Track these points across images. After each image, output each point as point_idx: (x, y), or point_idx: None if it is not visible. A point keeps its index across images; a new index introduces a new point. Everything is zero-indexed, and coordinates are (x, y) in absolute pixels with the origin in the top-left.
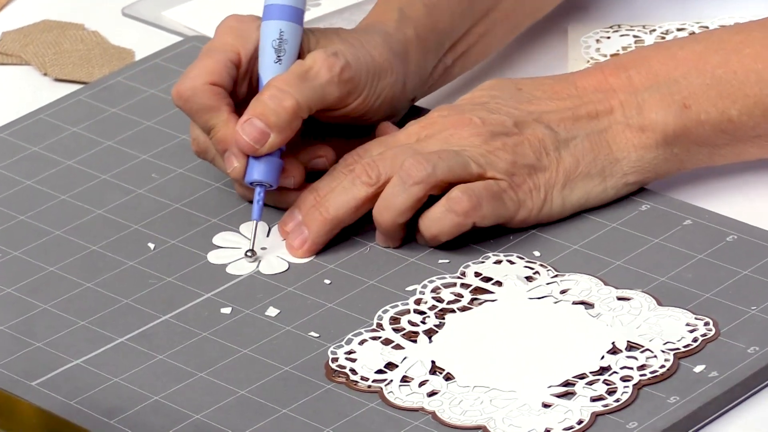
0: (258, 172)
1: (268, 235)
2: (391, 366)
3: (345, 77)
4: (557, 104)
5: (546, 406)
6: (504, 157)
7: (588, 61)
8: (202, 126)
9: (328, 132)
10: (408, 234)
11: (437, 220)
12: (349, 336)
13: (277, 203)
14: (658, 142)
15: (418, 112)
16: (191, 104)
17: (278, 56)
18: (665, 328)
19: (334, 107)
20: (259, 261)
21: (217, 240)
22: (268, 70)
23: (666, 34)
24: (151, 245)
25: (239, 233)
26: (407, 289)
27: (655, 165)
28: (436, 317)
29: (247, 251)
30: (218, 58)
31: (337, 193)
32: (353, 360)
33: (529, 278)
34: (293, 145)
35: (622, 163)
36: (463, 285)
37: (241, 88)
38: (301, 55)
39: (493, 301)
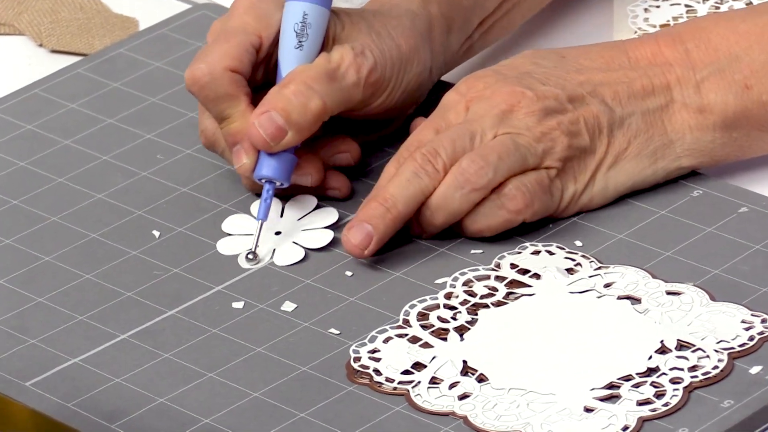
0: (268, 167)
1: (281, 215)
2: (418, 366)
3: (371, 80)
4: (609, 76)
5: (588, 410)
6: (561, 140)
7: (635, 32)
8: (216, 115)
9: (348, 124)
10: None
11: (486, 216)
12: (373, 333)
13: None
14: (716, 124)
15: (443, 87)
16: (207, 91)
17: (300, 41)
18: (719, 325)
19: (355, 109)
20: (260, 260)
21: (227, 226)
22: (288, 56)
23: (720, 3)
24: (156, 233)
25: (251, 216)
26: (437, 282)
27: (711, 149)
28: (468, 313)
29: (248, 253)
30: (238, 41)
31: (402, 186)
32: (377, 359)
33: (570, 270)
34: (312, 139)
35: (676, 146)
36: (497, 278)
37: (257, 73)
38: (324, 41)
39: (530, 295)
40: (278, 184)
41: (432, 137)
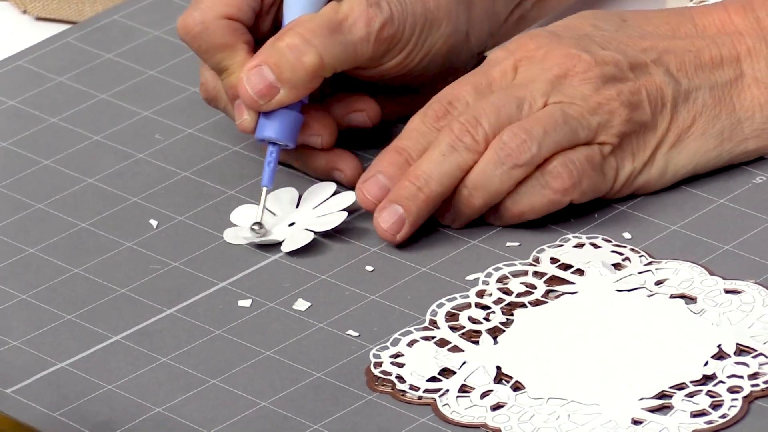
0: (271, 127)
1: (297, 206)
2: (447, 373)
3: (384, 35)
4: (675, 44)
5: (636, 422)
6: (619, 112)
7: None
8: (212, 67)
9: (367, 89)
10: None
11: (529, 195)
12: (396, 335)
13: (305, 167)
14: None
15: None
16: (200, 41)
17: None
18: None
19: (365, 67)
20: (269, 234)
21: (234, 217)
22: (292, 3)
23: None
24: (154, 222)
25: (265, 208)
26: (468, 278)
27: None
28: (503, 313)
29: (252, 224)
30: None
31: (437, 162)
32: (400, 365)
33: (617, 266)
34: (323, 96)
35: (744, 126)
36: (536, 274)
37: (264, 22)
38: None
39: (572, 293)
40: (283, 145)
41: (469, 95)
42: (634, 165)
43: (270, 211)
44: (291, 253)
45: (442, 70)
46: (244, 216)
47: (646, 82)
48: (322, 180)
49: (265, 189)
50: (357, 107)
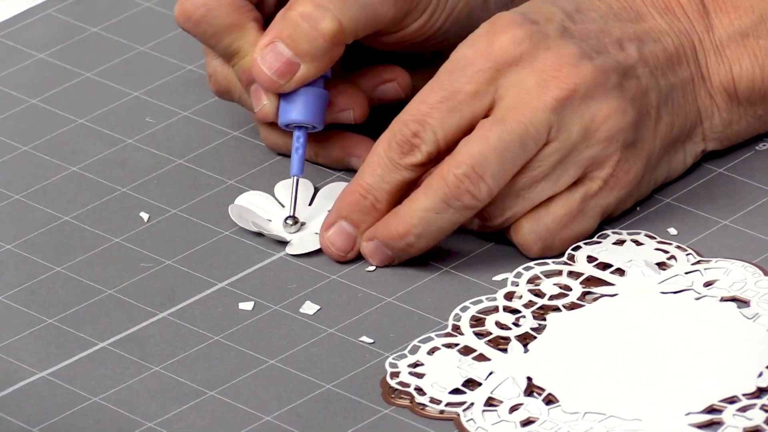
0: (295, 109)
1: (310, 203)
2: (471, 384)
3: None
4: (640, 29)
5: None
6: (615, 148)
7: None
8: (221, 53)
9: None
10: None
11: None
12: (415, 342)
13: (317, 157)
14: (740, 101)
15: None
16: (204, 26)
17: None
18: None
19: (386, 31)
20: (301, 226)
21: (240, 202)
22: None
23: None
24: (145, 215)
25: (273, 198)
26: (495, 278)
27: (737, 131)
28: (534, 317)
29: (286, 218)
30: None
31: (428, 221)
32: (420, 375)
33: (661, 265)
34: (347, 69)
35: (705, 126)
36: (571, 274)
37: None
38: None
39: (612, 296)
40: (310, 128)
41: (437, 119)
42: (618, 193)
43: (279, 203)
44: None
45: (462, 34)
46: (253, 204)
47: (632, 87)
48: (337, 170)
49: (295, 178)
50: (386, 77)
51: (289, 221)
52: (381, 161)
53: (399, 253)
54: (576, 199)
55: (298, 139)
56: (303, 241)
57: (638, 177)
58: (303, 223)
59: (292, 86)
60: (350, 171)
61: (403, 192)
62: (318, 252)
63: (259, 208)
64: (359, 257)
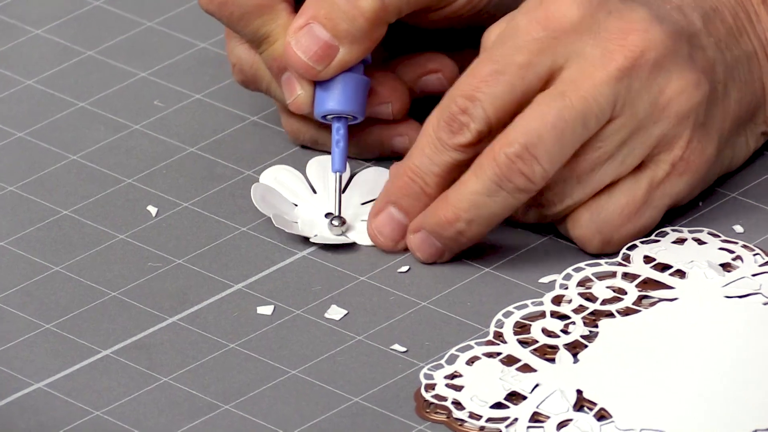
0: (334, 98)
1: (344, 190)
2: (515, 398)
3: None
4: None
5: None
6: (686, 126)
7: None
8: (249, 38)
9: (431, 39)
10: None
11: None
12: (453, 351)
13: (353, 146)
14: None
15: None
16: (231, 7)
17: None
18: None
19: (433, 6)
20: (348, 227)
21: (265, 180)
22: None
23: None
24: (153, 209)
25: (304, 177)
26: (541, 280)
27: None
28: (585, 324)
29: (332, 218)
30: None
31: (481, 205)
32: (458, 388)
33: (726, 266)
34: (390, 56)
35: (766, 107)
36: (626, 276)
37: None
38: None
39: (671, 300)
40: (350, 119)
41: (489, 93)
42: (689, 178)
43: (311, 185)
44: (321, 247)
45: (514, 6)
46: (280, 182)
47: (704, 62)
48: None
49: (338, 175)
50: (430, 67)
51: (336, 222)
52: (430, 141)
53: (449, 242)
54: (641, 187)
55: (338, 131)
56: (329, 232)
57: (710, 161)
58: (350, 225)
59: (331, 72)
60: (387, 160)
61: (455, 175)
62: (345, 249)
63: (287, 188)
64: (393, 256)
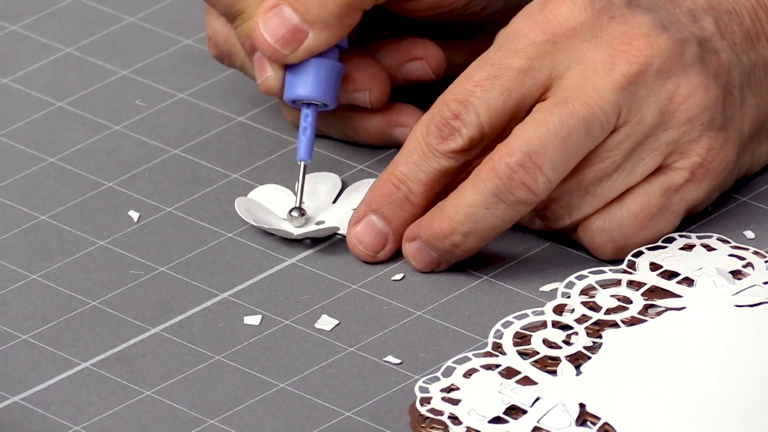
0: (303, 84)
1: (335, 200)
2: (515, 412)
3: None
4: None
5: None
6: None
7: None
8: (224, 11)
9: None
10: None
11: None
12: (449, 363)
13: (352, 134)
14: None
15: None
16: None
17: None
18: None
19: None
20: (308, 220)
21: (254, 197)
22: None
23: None
24: (134, 215)
25: (292, 193)
26: (542, 289)
27: None
28: (589, 335)
29: (291, 209)
30: None
31: (478, 218)
32: (455, 401)
33: (736, 274)
34: (370, 41)
35: None
36: (631, 284)
37: None
38: None
39: (678, 309)
40: (321, 106)
41: (482, 99)
42: (705, 186)
43: (300, 205)
44: (311, 254)
45: (504, 3)
46: (267, 199)
47: (714, 63)
48: (376, 147)
49: (302, 164)
50: (415, 54)
51: (295, 213)
52: (418, 147)
53: (444, 254)
54: (655, 191)
55: (306, 118)
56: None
57: (731, 166)
58: (309, 217)
59: (299, 57)
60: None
61: (442, 183)
62: (337, 256)
63: (274, 204)
64: (387, 264)
